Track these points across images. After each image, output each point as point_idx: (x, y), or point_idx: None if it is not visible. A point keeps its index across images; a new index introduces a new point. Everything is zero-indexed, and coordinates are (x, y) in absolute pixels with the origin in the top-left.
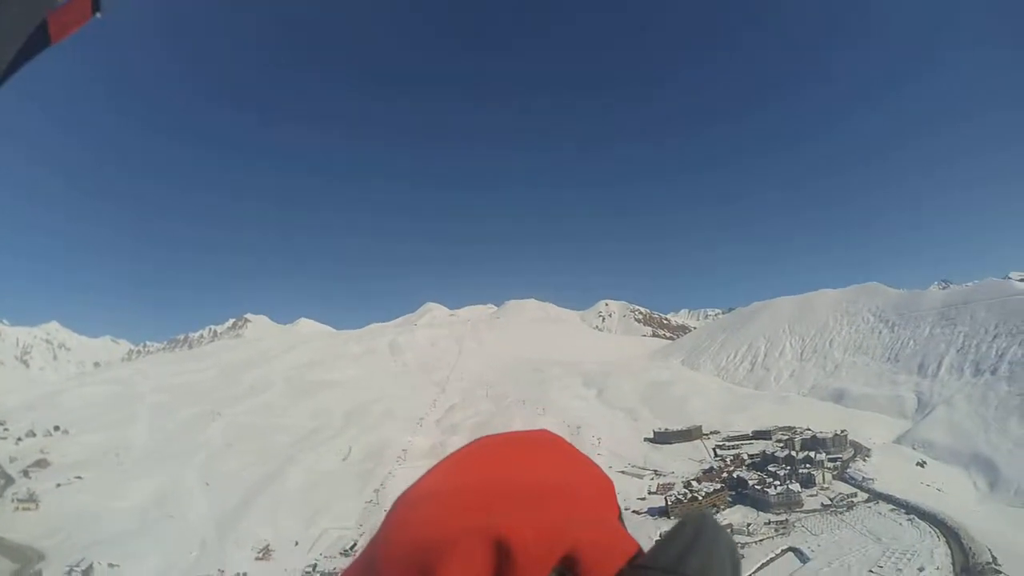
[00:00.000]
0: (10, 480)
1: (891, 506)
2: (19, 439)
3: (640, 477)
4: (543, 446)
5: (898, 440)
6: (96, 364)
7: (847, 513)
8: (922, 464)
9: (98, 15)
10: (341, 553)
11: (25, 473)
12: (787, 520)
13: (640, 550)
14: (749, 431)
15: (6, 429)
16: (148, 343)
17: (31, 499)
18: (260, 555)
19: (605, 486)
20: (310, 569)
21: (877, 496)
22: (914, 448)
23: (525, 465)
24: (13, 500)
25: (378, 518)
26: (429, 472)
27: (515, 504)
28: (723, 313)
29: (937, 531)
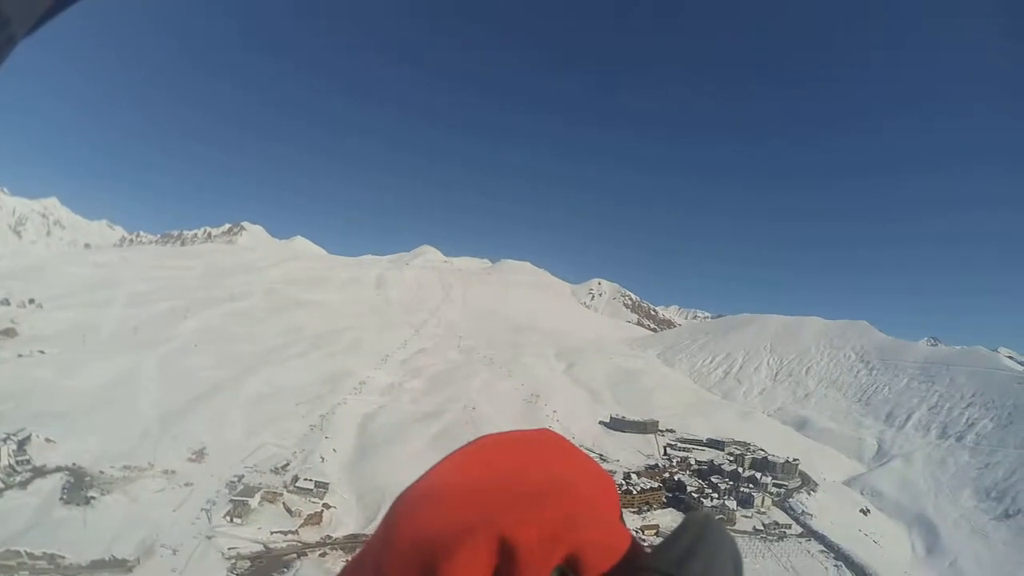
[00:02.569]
0: None
1: (822, 547)
2: None
3: None
4: (545, 445)
5: (848, 482)
6: (87, 245)
7: (776, 543)
8: (866, 512)
9: None
10: (271, 470)
11: None
12: None
13: (641, 550)
14: (704, 437)
15: None
16: (142, 233)
17: None
18: (193, 456)
19: (606, 486)
20: (235, 479)
21: (811, 533)
22: (862, 494)
23: (527, 464)
24: None
25: (316, 443)
26: (430, 471)
27: (518, 503)
28: (712, 318)
29: None
